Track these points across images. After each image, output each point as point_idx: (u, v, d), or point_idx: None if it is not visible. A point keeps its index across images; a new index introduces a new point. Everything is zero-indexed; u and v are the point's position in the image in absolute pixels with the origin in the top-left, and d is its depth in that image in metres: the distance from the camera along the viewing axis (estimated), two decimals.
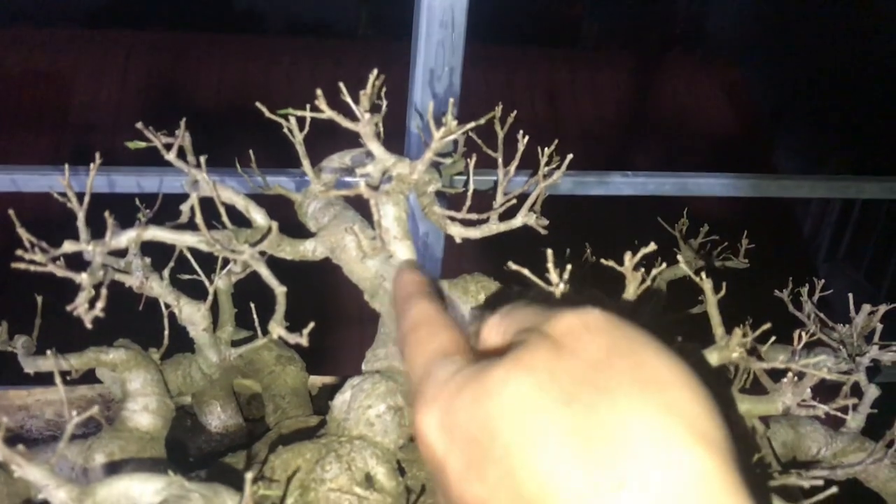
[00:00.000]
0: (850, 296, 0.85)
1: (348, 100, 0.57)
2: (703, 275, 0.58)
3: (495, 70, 3.90)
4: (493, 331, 0.45)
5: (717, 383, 0.61)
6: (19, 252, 0.53)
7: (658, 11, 5.17)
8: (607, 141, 3.96)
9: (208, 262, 0.74)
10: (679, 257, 0.59)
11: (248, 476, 0.46)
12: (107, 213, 0.54)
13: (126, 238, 0.57)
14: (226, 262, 0.73)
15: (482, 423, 0.37)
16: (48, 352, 0.55)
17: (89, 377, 0.76)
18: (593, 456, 0.33)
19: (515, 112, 0.74)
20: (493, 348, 0.45)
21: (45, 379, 0.78)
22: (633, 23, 5.11)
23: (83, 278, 0.53)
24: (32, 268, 0.53)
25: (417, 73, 1.00)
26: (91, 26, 4.02)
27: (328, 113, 0.57)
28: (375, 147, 0.59)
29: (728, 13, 5.17)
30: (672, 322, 0.81)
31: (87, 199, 0.59)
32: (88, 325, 0.51)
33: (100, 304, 0.51)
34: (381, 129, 0.64)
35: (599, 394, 0.35)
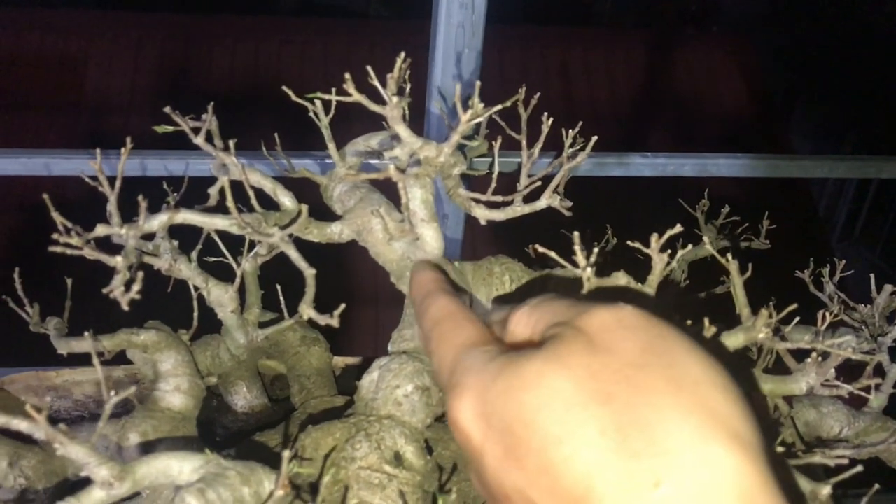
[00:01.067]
0: (872, 276, 0.85)
1: (375, 83, 0.58)
2: (730, 256, 0.58)
3: (509, 50, 3.87)
4: (522, 322, 0.46)
5: (740, 366, 0.62)
6: (55, 235, 0.54)
7: None
8: (620, 119, 3.94)
9: (231, 246, 0.75)
10: (704, 238, 0.59)
11: (286, 454, 0.47)
12: (140, 197, 0.55)
13: (158, 221, 0.58)
14: (252, 244, 0.74)
15: (519, 414, 0.38)
16: (85, 333, 0.56)
17: (116, 358, 0.77)
18: (631, 453, 0.34)
19: (539, 94, 0.74)
20: (523, 340, 0.45)
21: (73, 360, 0.80)
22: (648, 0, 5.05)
23: (118, 261, 0.54)
24: (68, 251, 0.54)
25: (437, 54, 1.00)
26: (103, 8, 4.02)
27: (356, 96, 0.57)
28: (402, 130, 0.59)
29: None
30: (692, 303, 0.81)
31: (118, 182, 0.60)
32: (125, 307, 0.52)
33: (136, 287, 0.51)
34: (407, 112, 0.64)
35: (636, 393, 0.36)
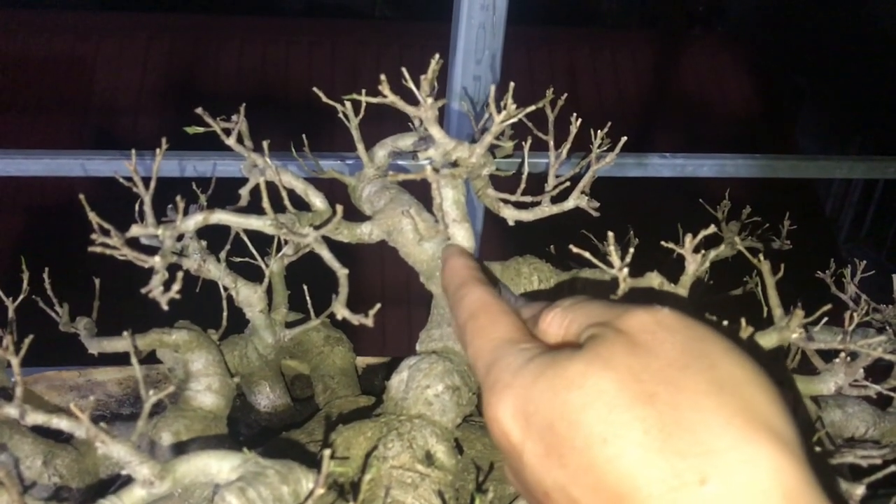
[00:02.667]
0: (895, 277, 0.85)
1: (410, 85, 0.58)
2: (761, 256, 0.58)
3: (515, 50, 3.88)
4: (555, 323, 0.46)
5: (774, 366, 0.62)
6: (93, 236, 0.55)
7: None
8: (626, 120, 3.94)
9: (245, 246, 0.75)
10: (736, 239, 0.60)
11: (326, 453, 0.47)
12: (178, 198, 0.55)
13: (193, 221, 0.58)
14: (279, 245, 0.75)
15: (562, 413, 0.39)
16: (124, 333, 0.57)
17: (121, 358, 0.77)
18: (676, 452, 0.35)
19: (566, 95, 0.74)
20: (556, 340, 0.46)
21: (89, 361, 0.80)
22: (654, 0, 5.05)
23: (157, 261, 0.54)
24: (108, 251, 0.54)
25: (458, 55, 1.00)
26: (112, 9, 4.03)
27: (390, 98, 0.58)
28: (436, 131, 0.60)
29: None
30: (719, 302, 0.81)
31: (153, 182, 0.60)
32: (164, 307, 0.52)
33: (175, 287, 0.52)
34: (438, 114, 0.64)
35: (678, 393, 0.37)
